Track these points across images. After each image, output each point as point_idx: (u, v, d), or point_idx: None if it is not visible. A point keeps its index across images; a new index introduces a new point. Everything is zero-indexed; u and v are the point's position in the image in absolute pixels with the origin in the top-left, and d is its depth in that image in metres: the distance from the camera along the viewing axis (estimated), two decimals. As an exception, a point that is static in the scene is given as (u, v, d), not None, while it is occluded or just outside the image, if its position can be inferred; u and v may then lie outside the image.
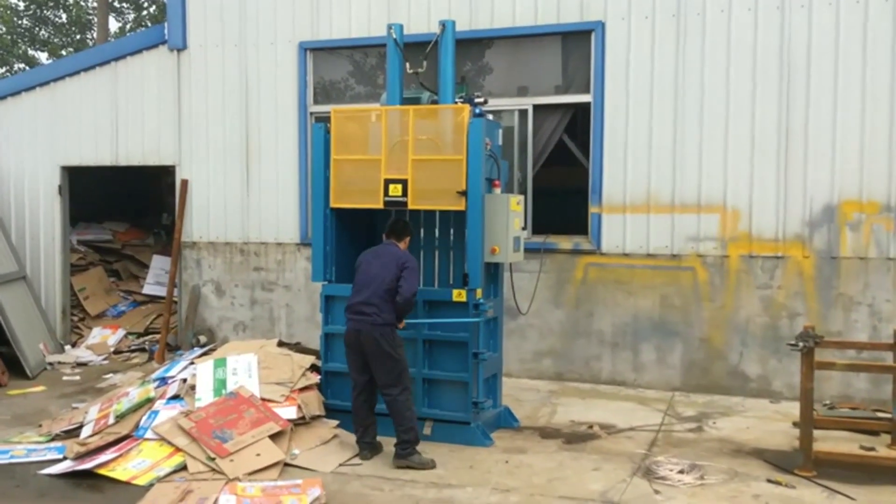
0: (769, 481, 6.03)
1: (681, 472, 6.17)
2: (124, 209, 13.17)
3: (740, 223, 8.45)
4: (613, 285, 8.88)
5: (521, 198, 7.37)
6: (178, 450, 6.32)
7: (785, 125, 8.26)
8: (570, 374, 9.07)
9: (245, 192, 10.28)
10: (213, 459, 6.14)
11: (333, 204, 7.25)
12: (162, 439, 6.45)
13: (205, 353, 8.09)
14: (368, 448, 6.56)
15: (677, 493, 5.84)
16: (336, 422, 7.01)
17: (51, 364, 10.06)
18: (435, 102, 7.33)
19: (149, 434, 6.58)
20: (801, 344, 6.11)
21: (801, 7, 8.16)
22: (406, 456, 6.33)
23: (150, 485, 5.92)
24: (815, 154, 8.18)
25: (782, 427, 7.42)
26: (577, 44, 9.02)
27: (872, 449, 6.60)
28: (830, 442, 6.68)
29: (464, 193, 6.78)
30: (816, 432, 6.27)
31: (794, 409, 7.26)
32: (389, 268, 6.47)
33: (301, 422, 6.81)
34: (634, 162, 8.75)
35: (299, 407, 6.87)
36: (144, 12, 27.33)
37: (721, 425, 7.51)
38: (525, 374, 9.19)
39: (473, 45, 9.35)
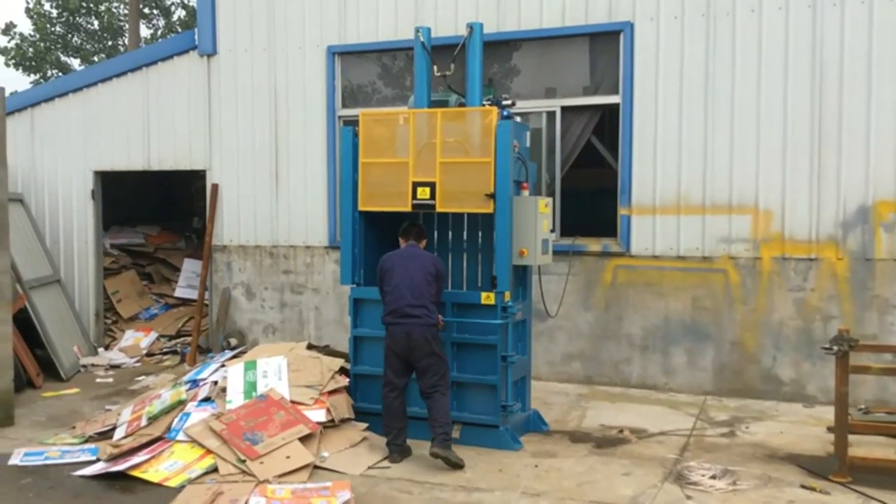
0: (803, 487, 5.94)
1: (713, 477, 6.10)
2: (156, 213, 13.32)
3: (773, 224, 8.34)
4: (643, 288, 8.81)
5: (550, 200, 7.34)
6: (209, 452, 6.37)
7: (818, 124, 8.15)
8: (600, 378, 9.02)
9: (274, 195, 10.34)
10: (244, 461, 6.18)
11: (362, 207, 7.27)
12: (193, 441, 6.51)
13: (235, 356, 8.15)
14: (399, 451, 6.56)
15: (709, 498, 5.78)
16: (365, 424, 7.02)
17: (84, 366, 10.20)
18: (462, 105, 7.32)
19: (180, 436, 6.64)
20: (835, 347, 6.02)
21: (833, 6, 8.05)
22: (447, 447, 6.36)
23: (182, 486, 5.98)
24: (849, 154, 8.06)
25: (816, 432, 7.31)
26: (605, 45, 8.97)
27: (909, 454, 6.49)
28: (865, 447, 6.56)
29: (492, 196, 6.77)
30: (851, 437, 6.17)
31: (828, 413, 7.14)
32: (428, 269, 6.58)
33: (330, 424, 6.83)
34: (664, 163, 8.68)
35: (328, 410, 6.90)
36: (175, 17, 27.63)
37: (754, 430, 7.42)
38: (554, 377, 9.14)
39: (501, 47, 9.33)
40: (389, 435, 6.61)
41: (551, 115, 9.14)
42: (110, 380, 9.67)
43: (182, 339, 11.16)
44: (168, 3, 27.65)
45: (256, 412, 6.65)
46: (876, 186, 8.00)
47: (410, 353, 6.50)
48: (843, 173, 8.09)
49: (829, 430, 6.86)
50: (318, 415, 6.82)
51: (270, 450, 6.24)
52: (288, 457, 6.25)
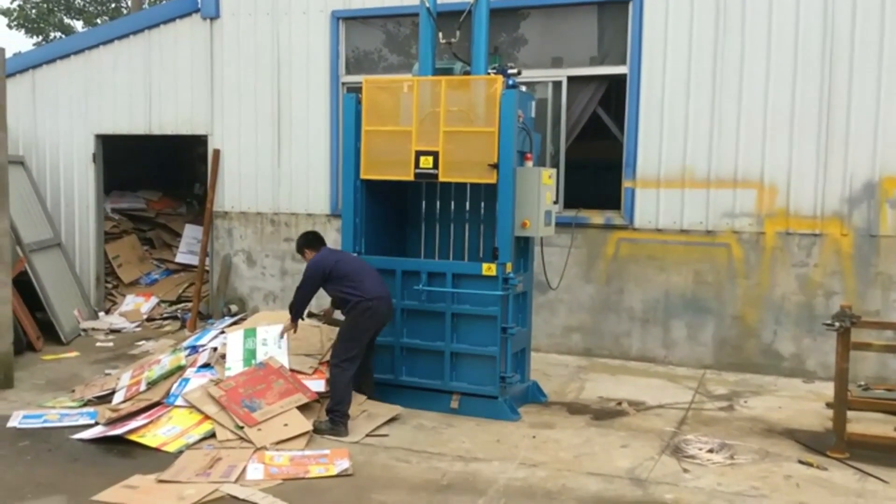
0: (800, 462, 5.95)
1: (710, 451, 6.10)
2: (158, 178, 13.26)
3: (777, 199, 8.28)
4: (645, 261, 8.77)
5: (553, 171, 7.27)
6: (207, 417, 6.37)
7: (826, 99, 8.05)
8: (600, 350, 9.01)
9: (276, 162, 10.28)
10: (242, 428, 6.18)
11: (364, 175, 7.21)
12: (192, 407, 6.51)
13: (235, 323, 8.15)
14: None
15: (706, 472, 5.78)
16: (363, 397, 7.01)
17: (84, 330, 10.20)
18: (467, 73, 7.23)
19: (179, 401, 6.64)
20: (837, 324, 5.99)
21: (846, -23, 7.92)
22: None
23: (180, 451, 5.99)
24: (857, 129, 7.98)
25: (815, 407, 7.31)
26: (613, 14, 8.84)
27: (908, 432, 6.48)
28: (864, 423, 6.56)
29: (495, 166, 6.71)
30: (850, 413, 6.15)
31: (827, 389, 7.14)
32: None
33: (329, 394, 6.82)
34: (670, 136, 8.59)
35: (328, 380, 6.89)
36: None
37: (752, 404, 7.41)
38: (554, 349, 9.14)
39: (508, 15, 9.20)
40: (347, 409, 6.48)
41: (557, 85, 9.04)
42: (110, 344, 9.69)
43: (182, 304, 11.16)
44: (172, -35, 27.32)
45: (255, 380, 6.65)
46: (883, 162, 7.92)
47: (382, 327, 6.84)
48: (851, 149, 8.01)
49: (828, 405, 6.86)
50: (318, 384, 6.82)
51: (268, 417, 6.25)
52: (286, 424, 6.25)
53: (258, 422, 6.21)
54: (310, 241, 7.01)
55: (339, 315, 7.01)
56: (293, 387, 6.61)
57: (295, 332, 7.10)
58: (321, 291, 6.84)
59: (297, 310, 6.87)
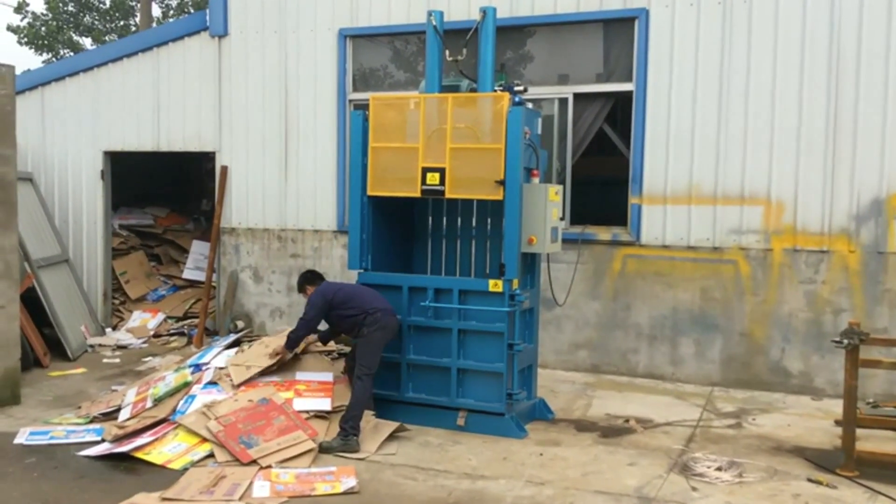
0: (810, 480, 5.90)
1: (719, 469, 6.07)
2: (165, 194, 13.31)
3: (785, 216, 8.26)
4: (652, 277, 8.75)
5: (560, 188, 7.28)
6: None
7: (833, 116, 8.05)
8: (607, 367, 8.98)
9: (283, 178, 10.31)
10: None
11: (371, 192, 7.22)
12: (190, 432, 6.44)
13: (236, 341, 8.15)
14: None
15: (715, 490, 5.74)
16: (372, 412, 7.00)
17: (91, 346, 10.22)
18: (474, 90, 7.25)
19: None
20: (845, 341, 5.96)
21: (852, -6, 7.94)
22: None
23: (185, 469, 5.96)
24: (864, 146, 7.97)
25: (824, 425, 7.26)
26: (619, 31, 8.87)
27: (918, 450, 6.43)
28: (874, 441, 6.51)
29: (502, 183, 6.72)
30: (859, 431, 6.12)
31: (836, 406, 7.09)
32: None
33: (339, 409, 6.80)
34: (676, 152, 8.60)
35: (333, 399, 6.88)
36: (187, -2, 27.53)
37: (761, 422, 7.37)
38: (561, 365, 9.11)
39: (514, 33, 9.24)
40: (359, 423, 6.54)
41: (563, 101, 9.06)
42: (117, 360, 9.69)
43: (189, 320, 11.17)
44: (180, -17, 27.54)
45: (256, 416, 6.52)
46: (890, 179, 7.91)
47: (393, 336, 6.90)
48: (858, 165, 8.00)
49: (837, 423, 6.82)
50: (324, 403, 6.81)
51: (264, 454, 6.09)
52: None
53: (252, 459, 6.06)
54: (309, 279, 7.23)
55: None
56: (294, 424, 6.48)
57: (284, 359, 7.22)
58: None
59: (297, 337, 7.04)
